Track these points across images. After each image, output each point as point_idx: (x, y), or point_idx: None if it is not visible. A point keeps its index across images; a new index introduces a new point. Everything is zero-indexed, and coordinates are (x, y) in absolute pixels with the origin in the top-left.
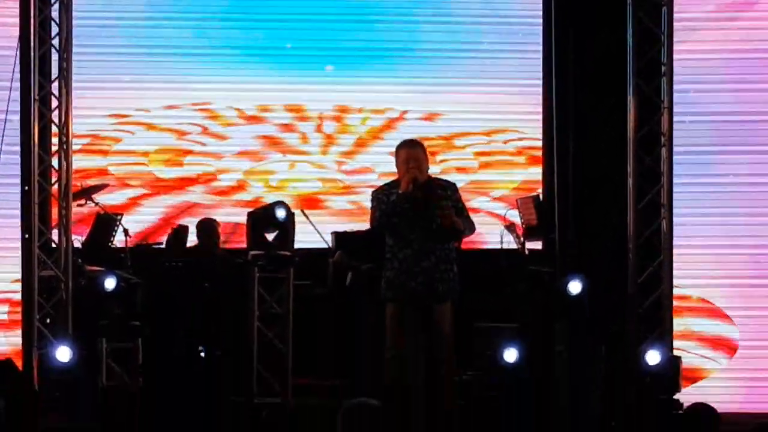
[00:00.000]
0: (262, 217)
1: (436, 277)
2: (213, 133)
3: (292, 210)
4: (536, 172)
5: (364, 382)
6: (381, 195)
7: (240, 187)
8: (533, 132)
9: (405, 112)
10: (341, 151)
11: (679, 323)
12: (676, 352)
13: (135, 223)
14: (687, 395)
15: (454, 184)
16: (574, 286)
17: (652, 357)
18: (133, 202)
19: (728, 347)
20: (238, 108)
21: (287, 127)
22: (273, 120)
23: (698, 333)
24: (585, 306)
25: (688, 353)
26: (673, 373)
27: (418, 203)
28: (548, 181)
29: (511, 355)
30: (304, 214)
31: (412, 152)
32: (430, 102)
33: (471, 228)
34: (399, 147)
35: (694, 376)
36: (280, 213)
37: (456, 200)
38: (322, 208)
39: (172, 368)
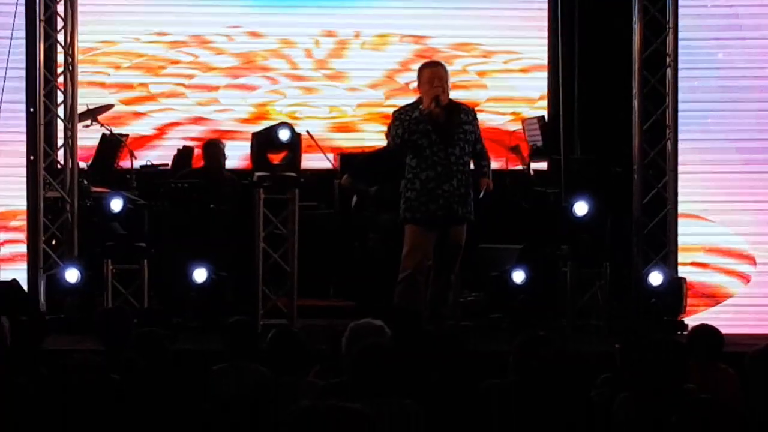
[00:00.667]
0: (265, 138)
1: (457, 200)
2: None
3: (298, 131)
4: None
5: (370, 304)
6: (403, 114)
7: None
8: (538, 53)
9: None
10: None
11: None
12: (694, 271)
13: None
14: (710, 317)
15: (473, 111)
16: (580, 208)
17: (655, 278)
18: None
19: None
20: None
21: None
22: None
23: (722, 247)
24: (590, 227)
25: (713, 268)
26: (676, 294)
27: (439, 124)
28: (553, 101)
29: (518, 276)
30: (310, 136)
31: (435, 71)
32: (421, 26)
33: (489, 160)
34: (422, 67)
35: (718, 295)
36: (284, 134)
37: (475, 127)
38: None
39: (178, 290)
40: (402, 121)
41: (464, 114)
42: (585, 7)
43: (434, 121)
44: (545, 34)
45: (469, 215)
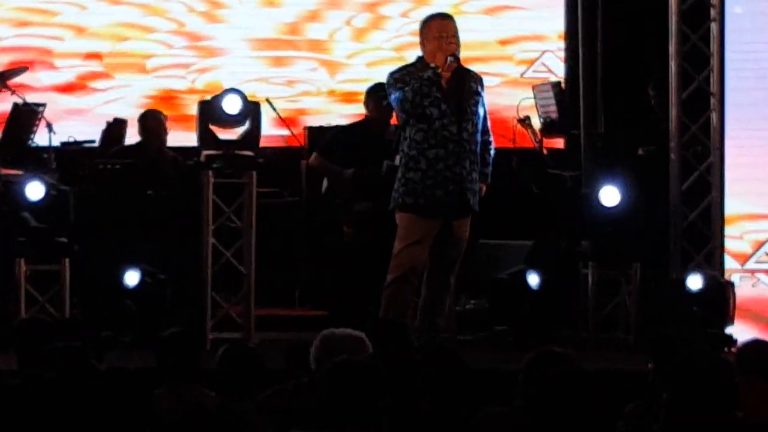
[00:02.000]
0: (212, 108)
1: (467, 187)
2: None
3: (255, 100)
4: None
5: (345, 314)
6: (407, 75)
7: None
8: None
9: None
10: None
11: None
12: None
13: None
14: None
15: (481, 78)
16: (608, 195)
17: (695, 281)
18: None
19: None
20: None
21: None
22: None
23: None
24: (620, 220)
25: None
26: (721, 301)
27: (452, 91)
28: (572, 64)
29: (528, 279)
30: (271, 105)
31: (445, 24)
32: None
33: (492, 151)
34: (429, 19)
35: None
36: (232, 104)
37: (484, 100)
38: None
39: (107, 296)
40: (407, 84)
41: (474, 82)
42: None
43: (446, 87)
44: None
45: (476, 206)
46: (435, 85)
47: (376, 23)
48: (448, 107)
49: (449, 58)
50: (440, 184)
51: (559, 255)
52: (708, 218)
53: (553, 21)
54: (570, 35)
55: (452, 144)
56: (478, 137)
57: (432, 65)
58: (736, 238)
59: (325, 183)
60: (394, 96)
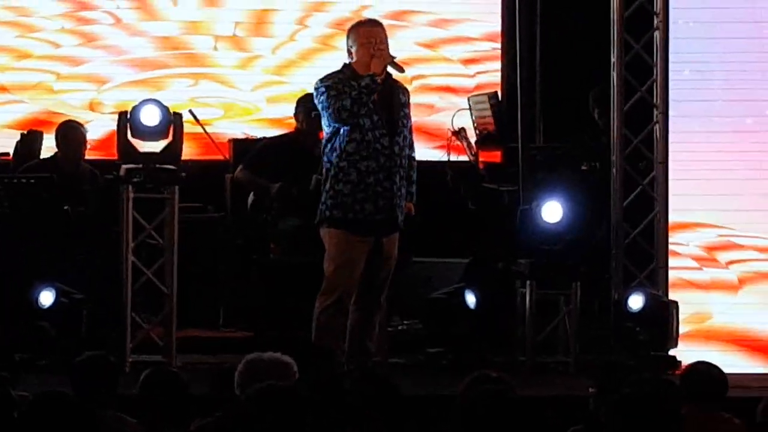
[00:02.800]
0: (131, 120)
1: (397, 203)
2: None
3: (178, 111)
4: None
5: (272, 335)
6: (339, 83)
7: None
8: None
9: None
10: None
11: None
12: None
13: None
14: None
15: (408, 90)
16: (551, 211)
17: (636, 301)
18: None
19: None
20: None
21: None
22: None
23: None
24: (562, 237)
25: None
26: (663, 321)
27: (384, 101)
28: (509, 74)
29: (464, 299)
30: (194, 116)
31: (375, 31)
32: None
33: (415, 167)
34: (357, 25)
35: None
36: (148, 116)
37: (410, 113)
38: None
39: (20, 317)
40: (342, 92)
41: (402, 94)
42: None
43: (378, 98)
44: None
45: (402, 224)
46: (371, 94)
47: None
48: (379, 119)
49: (391, 67)
50: (371, 199)
51: (496, 273)
52: (651, 235)
53: (490, 28)
54: (507, 43)
55: (384, 157)
56: (407, 152)
57: (369, 73)
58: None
59: (250, 198)
60: (326, 104)
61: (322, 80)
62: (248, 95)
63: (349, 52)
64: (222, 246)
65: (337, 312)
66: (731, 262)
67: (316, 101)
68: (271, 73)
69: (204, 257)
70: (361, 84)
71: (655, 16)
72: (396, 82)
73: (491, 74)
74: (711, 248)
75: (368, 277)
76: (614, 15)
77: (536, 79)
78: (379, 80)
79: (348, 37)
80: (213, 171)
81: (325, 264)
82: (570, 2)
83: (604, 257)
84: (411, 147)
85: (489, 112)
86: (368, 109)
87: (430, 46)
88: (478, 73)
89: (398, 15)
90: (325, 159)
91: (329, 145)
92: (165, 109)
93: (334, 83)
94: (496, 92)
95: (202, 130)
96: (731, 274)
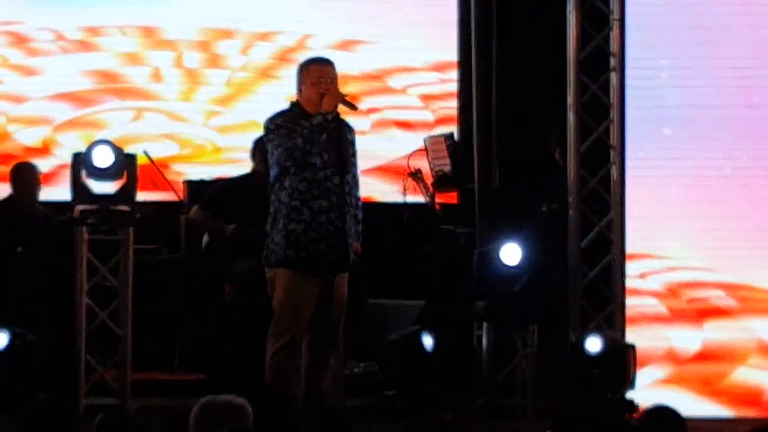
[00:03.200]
0: (83, 161)
1: (348, 243)
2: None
3: (132, 152)
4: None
5: (228, 378)
6: (290, 123)
7: (44, 149)
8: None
9: (308, 37)
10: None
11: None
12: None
13: None
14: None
15: (354, 129)
16: (509, 254)
17: (594, 343)
18: None
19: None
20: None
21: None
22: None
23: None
24: (519, 279)
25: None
26: (621, 364)
27: (334, 139)
28: (465, 115)
29: (420, 341)
30: (148, 157)
31: (326, 69)
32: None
33: (361, 207)
34: (308, 63)
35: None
36: (100, 157)
37: (356, 150)
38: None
39: None
40: (293, 131)
41: (349, 132)
42: None
43: (328, 136)
44: (454, 23)
45: (352, 263)
46: (323, 133)
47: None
48: (329, 157)
49: (344, 105)
50: (323, 238)
51: (453, 316)
52: (608, 277)
53: (443, 56)
54: (462, 84)
55: (335, 196)
56: (355, 191)
57: (321, 112)
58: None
59: (205, 239)
60: (277, 143)
61: (271, 119)
62: (199, 129)
63: (299, 90)
64: (177, 287)
65: (290, 353)
66: (692, 300)
67: (265, 140)
68: (217, 104)
69: (159, 299)
70: (312, 122)
71: (611, 57)
72: (343, 120)
73: (447, 109)
74: (673, 286)
75: (320, 317)
76: (570, 56)
77: (492, 120)
78: (330, 118)
79: (298, 75)
80: (168, 212)
81: (276, 305)
82: (526, 43)
83: (562, 299)
84: (357, 186)
85: (445, 153)
86: (318, 148)
87: (377, 77)
88: (434, 108)
89: (345, 44)
90: (273, 198)
91: (278, 185)
92: (117, 151)
93: (284, 122)
94: (452, 133)
95: (156, 170)
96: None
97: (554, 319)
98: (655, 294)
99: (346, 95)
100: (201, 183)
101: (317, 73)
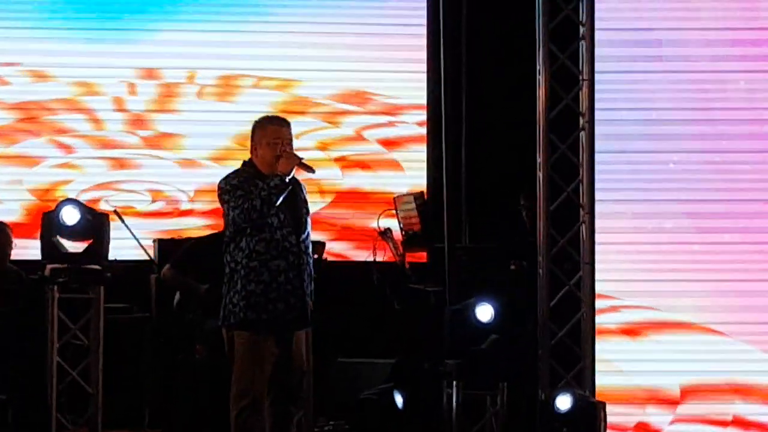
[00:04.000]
0: (52, 220)
1: (306, 301)
2: None
3: (102, 211)
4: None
5: None
6: (242, 183)
7: None
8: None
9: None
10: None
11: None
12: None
13: None
14: None
15: (304, 186)
16: (479, 313)
17: (563, 402)
18: None
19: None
20: None
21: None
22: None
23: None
24: (490, 337)
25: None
26: (590, 422)
27: (288, 199)
28: (435, 176)
29: (391, 399)
30: (119, 216)
31: (282, 131)
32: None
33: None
34: (263, 123)
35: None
36: (67, 216)
37: (308, 208)
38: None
39: None
40: (249, 191)
41: (302, 190)
42: (474, 49)
43: (285, 196)
44: (423, 77)
45: (312, 319)
46: (280, 195)
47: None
48: (285, 217)
49: (302, 168)
50: (282, 298)
51: (423, 374)
52: (578, 335)
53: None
54: (432, 142)
55: (292, 255)
56: (310, 250)
57: (278, 174)
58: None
59: (176, 297)
60: (233, 204)
61: (227, 180)
62: None
63: (253, 149)
64: (147, 346)
65: (254, 412)
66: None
67: (219, 200)
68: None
69: (129, 357)
70: (270, 184)
71: (581, 116)
72: (295, 179)
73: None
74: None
75: (282, 376)
76: (540, 116)
77: (462, 179)
78: (287, 180)
79: (253, 134)
80: (139, 271)
81: (236, 365)
82: (497, 98)
83: (532, 357)
84: (311, 244)
85: (415, 213)
86: (275, 209)
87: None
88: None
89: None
90: (228, 259)
91: (233, 245)
92: (84, 209)
93: (239, 182)
94: (422, 192)
95: (127, 229)
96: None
97: (524, 378)
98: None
99: (302, 158)
100: (171, 242)
101: (274, 134)
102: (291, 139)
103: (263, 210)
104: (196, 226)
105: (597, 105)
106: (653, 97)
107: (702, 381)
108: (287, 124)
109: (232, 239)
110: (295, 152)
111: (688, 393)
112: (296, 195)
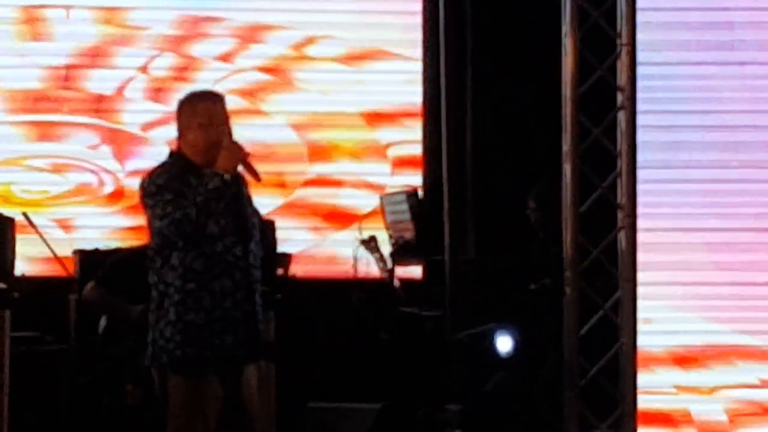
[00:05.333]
0: None
1: (260, 329)
2: None
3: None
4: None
5: None
6: (170, 182)
7: None
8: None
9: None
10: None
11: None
12: None
13: None
14: None
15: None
16: (504, 344)
17: None
18: None
19: None
20: None
21: None
22: None
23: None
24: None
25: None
26: None
27: (230, 200)
28: (432, 168)
29: None
30: (28, 220)
31: (215, 108)
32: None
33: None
34: (192, 100)
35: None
36: None
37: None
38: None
39: None
40: (183, 197)
41: (244, 186)
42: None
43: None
44: (418, 43)
45: (266, 350)
46: (221, 200)
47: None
48: (227, 222)
49: (244, 166)
50: (229, 328)
51: (417, 422)
52: (615, 373)
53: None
54: (430, 132)
55: (239, 272)
56: (260, 261)
57: (217, 173)
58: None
59: (102, 323)
60: (160, 212)
61: (151, 178)
62: None
63: (180, 132)
64: (64, 386)
65: None
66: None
67: (142, 204)
68: None
69: (41, 400)
70: (208, 186)
71: (618, 92)
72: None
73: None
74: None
75: (231, 425)
76: (566, 91)
77: (467, 173)
78: (229, 180)
79: (179, 115)
80: (53, 290)
81: (172, 417)
82: (509, 73)
83: (556, 401)
84: (260, 251)
85: (407, 216)
86: (216, 214)
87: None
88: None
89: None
90: (155, 279)
91: (160, 261)
92: None
93: (168, 181)
94: (416, 190)
95: (39, 237)
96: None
97: (546, 427)
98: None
99: (247, 154)
100: (96, 254)
101: (204, 111)
102: (227, 117)
103: (199, 221)
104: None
105: (639, 82)
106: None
107: None
108: (221, 99)
109: (158, 253)
110: (239, 143)
111: None
112: (239, 192)
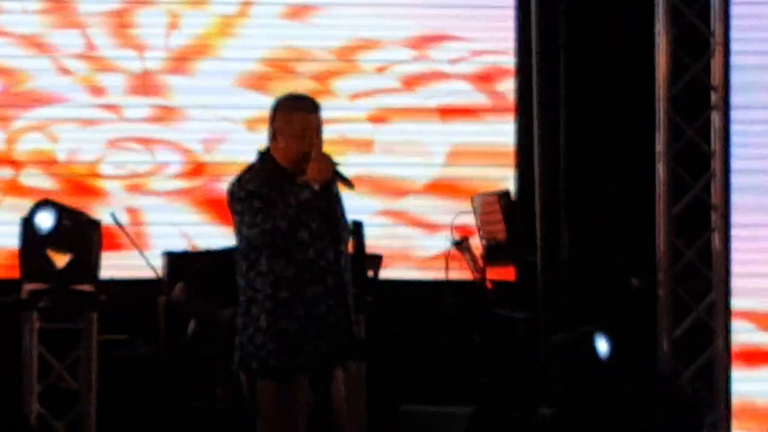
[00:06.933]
0: (30, 226)
1: (352, 331)
2: None
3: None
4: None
5: None
6: (260, 188)
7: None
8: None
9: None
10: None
11: None
12: None
13: None
14: None
15: None
16: (603, 347)
17: None
18: None
19: None
20: None
21: None
22: None
23: None
24: (600, 380)
25: None
26: None
27: (322, 206)
28: (525, 168)
29: None
30: (116, 221)
31: (310, 119)
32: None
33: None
34: (287, 107)
35: None
36: (43, 220)
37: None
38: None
39: None
40: (272, 202)
41: (333, 183)
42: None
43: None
44: (510, 41)
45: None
46: (313, 212)
47: None
48: (318, 227)
49: (336, 177)
50: (322, 334)
51: (510, 426)
52: (709, 376)
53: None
54: (523, 133)
55: (332, 277)
56: (349, 263)
57: (309, 186)
58: None
59: (191, 325)
60: (250, 221)
61: (240, 182)
62: None
63: (273, 135)
64: (154, 390)
65: None
66: None
67: (231, 208)
68: None
69: (131, 404)
70: (300, 199)
71: (712, 91)
72: None
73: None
74: None
75: (320, 426)
76: (659, 91)
77: (560, 173)
78: (319, 191)
79: (273, 118)
80: (142, 292)
81: (264, 419)
82: (603, 72)
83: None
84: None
85: (499, 217)
86: (308, 218)
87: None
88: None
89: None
90: (244, 284)
91: (246, 265)
92: (61, 210)
93: (258, 187)
94: (507, 191)
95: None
96: None
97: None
98: None
99: (337, 164)
100: (185, 256)
101: (300, 122)
102: (320, 127)
103: (290, 233)
104: None
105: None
106: None
107: None
108: (316, 108)
109: (245, 257)
110: (329, 155)
111: None
112: (329, 194)
